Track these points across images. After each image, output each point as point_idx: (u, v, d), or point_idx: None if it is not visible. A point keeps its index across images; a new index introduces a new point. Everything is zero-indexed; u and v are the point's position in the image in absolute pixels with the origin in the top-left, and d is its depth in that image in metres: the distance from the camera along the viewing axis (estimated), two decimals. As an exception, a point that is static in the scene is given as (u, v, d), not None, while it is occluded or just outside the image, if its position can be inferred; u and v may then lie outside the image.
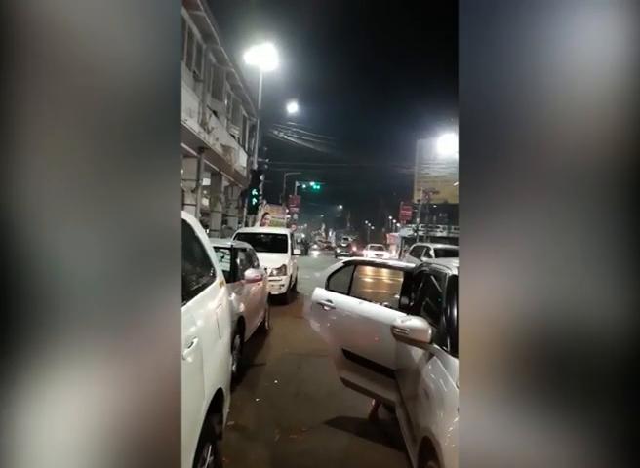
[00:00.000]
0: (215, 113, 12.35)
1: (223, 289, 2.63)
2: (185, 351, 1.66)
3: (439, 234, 36.72)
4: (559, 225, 1.03)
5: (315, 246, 54.27)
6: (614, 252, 0.99)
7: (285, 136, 21.97)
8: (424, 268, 3.34)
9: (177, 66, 1.11)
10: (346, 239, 53.22)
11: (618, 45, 1.01)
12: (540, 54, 1.04)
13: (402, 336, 2.22)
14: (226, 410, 2.44)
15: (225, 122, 14.46)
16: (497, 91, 1.08)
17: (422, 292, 3.04)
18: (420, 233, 36.28)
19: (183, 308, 1.80)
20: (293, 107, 24.03)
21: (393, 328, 2.26)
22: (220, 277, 2.58)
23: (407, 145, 46.98)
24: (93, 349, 0.89)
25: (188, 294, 1.93)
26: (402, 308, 3.35)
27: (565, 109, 1.04)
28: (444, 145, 34.60)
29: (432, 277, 2.96)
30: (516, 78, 1.06)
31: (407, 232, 39.70)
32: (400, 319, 2.29)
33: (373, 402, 3.62)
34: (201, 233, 2.51)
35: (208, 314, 2.17)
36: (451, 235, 35.52)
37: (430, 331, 2.15)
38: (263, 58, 17.17)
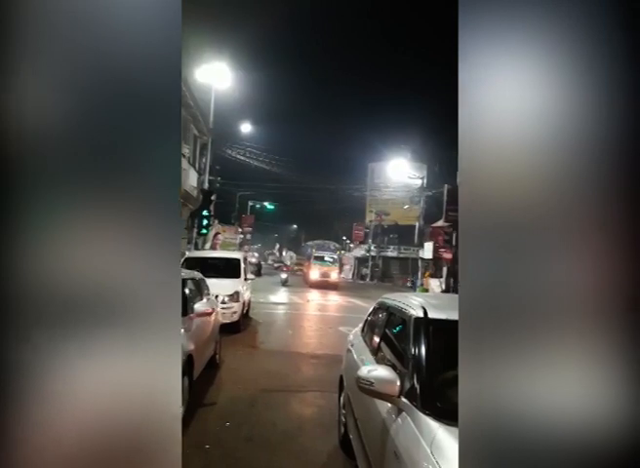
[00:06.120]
0: (165, 132, 11.92)
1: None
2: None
3: (390, 254, 37.48)
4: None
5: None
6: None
7: (238, 156, 21.70)
8: (387, 303, 3.19)
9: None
10: (331, 260, 25.27)
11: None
12: (537, 98, 1.04)
13: (368, 389, 2.05)
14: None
15: (176, 141, 14.00)
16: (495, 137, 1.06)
17: (385, 332, 2.91)
18: (373, 253, 36.84)
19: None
20: (246, 127, 23.89)
21: (358, 379, 2.09)
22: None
23: (359, 168, 47.91)
24: None
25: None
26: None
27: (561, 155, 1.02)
28: (394, 170, 35.71)
29: (395, 316, 2.83)
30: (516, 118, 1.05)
31: (360, 252, 40.07)
32: (367, 369, 2.13)
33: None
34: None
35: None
36: (401, 255, 36.35)
37: (399, 384, 2.01)
38: (216, 76, 17.03)
